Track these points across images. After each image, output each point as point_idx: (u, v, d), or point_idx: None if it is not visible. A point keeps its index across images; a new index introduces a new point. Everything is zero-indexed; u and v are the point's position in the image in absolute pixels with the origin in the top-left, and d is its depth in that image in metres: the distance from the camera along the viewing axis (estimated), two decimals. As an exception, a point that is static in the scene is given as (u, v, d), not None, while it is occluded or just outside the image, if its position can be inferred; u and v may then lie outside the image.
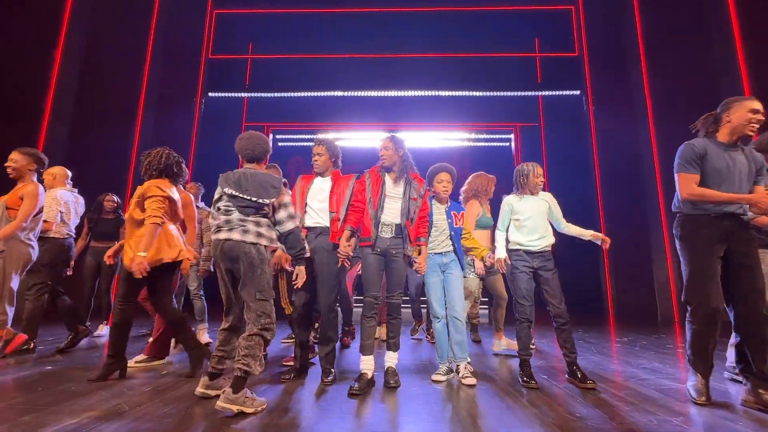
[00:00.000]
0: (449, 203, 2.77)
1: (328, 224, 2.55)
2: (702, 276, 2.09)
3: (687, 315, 2.18)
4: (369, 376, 2.33)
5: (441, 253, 2.67)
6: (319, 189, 2.62)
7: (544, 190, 2.81)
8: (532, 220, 2.64)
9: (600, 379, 2.61)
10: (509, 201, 2.74)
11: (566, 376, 2.53)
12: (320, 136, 2.49)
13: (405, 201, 2.52)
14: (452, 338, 2.56)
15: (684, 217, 2.23)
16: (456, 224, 2.71)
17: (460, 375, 2.49)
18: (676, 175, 2.21)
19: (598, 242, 2.62)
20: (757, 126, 2.16)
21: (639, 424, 1.79)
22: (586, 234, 2.66)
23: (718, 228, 2.12)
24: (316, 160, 2.64)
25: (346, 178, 2.67)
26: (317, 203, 2.58)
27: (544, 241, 2.63)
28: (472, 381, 2.42)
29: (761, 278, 2.07)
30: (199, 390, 2.07)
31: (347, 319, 3.92)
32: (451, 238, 2.67)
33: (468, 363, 2.54)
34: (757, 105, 2.16)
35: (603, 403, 2.10)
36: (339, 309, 4.34)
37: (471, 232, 2.90)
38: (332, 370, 2.49)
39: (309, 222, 2.57)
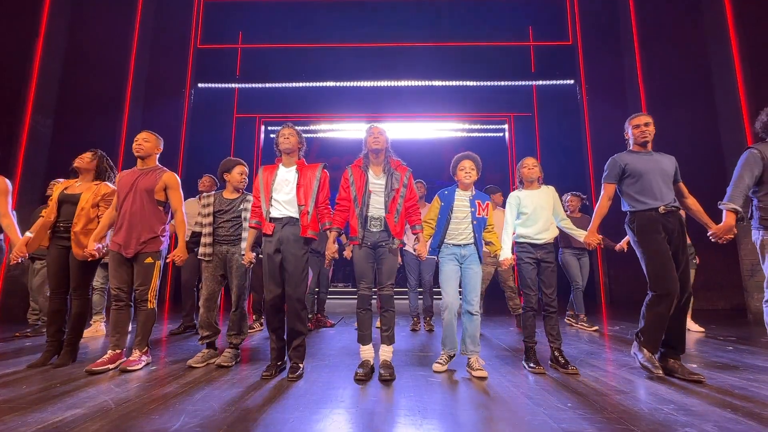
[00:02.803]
0: (473, 191, 2.71)
1: (294, 215, 2.50)
2: (663, 264, 2.38)
3: (648, 300, 2.43)
4: (371, 363, 2.46)
5: (460, 244, 2.59)
6: (284, 181, 2.56)
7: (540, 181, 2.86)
8: (535, 213, 2.70)
9: (591, 367, 2.62)
10: (515, 195, 2.80)
11: (549, 362, 2.60)
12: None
13: (387, 194, 2.54)
14: (466, 331, 2.52)
15: (636, 214, 2.54)
16: (479, 214, 2.64)
17: (473, 368, 2.45)
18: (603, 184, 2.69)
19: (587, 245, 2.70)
20: (647, 136, 2.57)
21: (630, 412, 1.79)
22: (580, 235, 2.72)
23: (665, 223, 2.45)
24: (287, 138, 2.59)
25: (312, 168, 2.62)
26: (283, 195, 2.53)
27: (548, 234, 2.69)
28: (484, 374, 2.40)
29: (689, 274, 2.46)
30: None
31: (321, 306, 4.49)
32: (472, 228, 2.60)
33: (478, 356, 2.53)
34: (640, 120, 2.61)
35: (594, 391, 2.10)
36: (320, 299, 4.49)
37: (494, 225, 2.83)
38: (300, 365, 2.44)
39: (275, 213, 2.52)
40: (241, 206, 2.86)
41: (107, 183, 2.93)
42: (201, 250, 2.80)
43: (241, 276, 2.78)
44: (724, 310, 6.07)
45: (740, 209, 2.33)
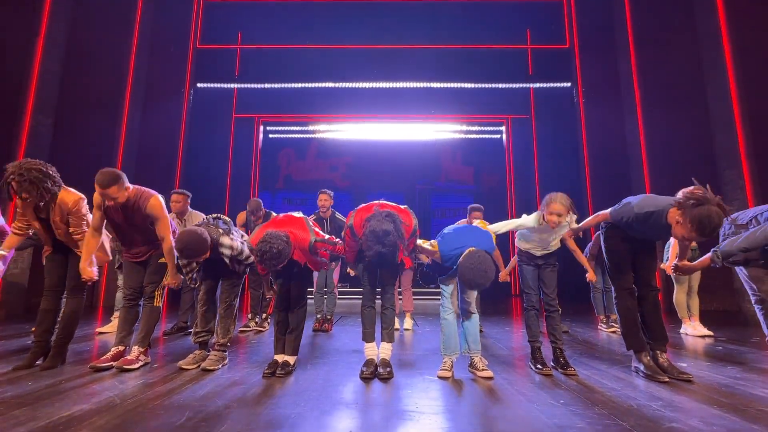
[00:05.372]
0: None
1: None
2: (620, 268, 2.61)
3: (614, 297, 2.62)
4: (375, 361, 2.47)
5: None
6: None
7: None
8: (541, 240, 2.68)
9: (584, 366, 2.69)
10: (526, 224, 2.65)
11: (551, 363, 2.61)
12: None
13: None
14: (467, 331, 2.52)
15: (610, 230, 2.66)
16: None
17: (478, 368, 2.43)
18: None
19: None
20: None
21: (620, 408, 1.85)
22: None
23: (632, 241, 2.58)
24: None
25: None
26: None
27: (549, 249, 2.72)
28: (490, 374, 2.37)
29: (654, 272, 2.66)
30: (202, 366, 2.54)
31: (331, 308, 4.38)
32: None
33: (481, 355, 2.51)
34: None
35: (587, 388, 2.17)
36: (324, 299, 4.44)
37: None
38: (291, 362, 2.51)
39: None
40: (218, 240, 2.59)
41: (55, 203, 2.52)
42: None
43: (237, 275, 2.76)
44: (717, 311, 6.16)
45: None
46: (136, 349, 2.58)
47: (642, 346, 2.47)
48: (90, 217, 2.64)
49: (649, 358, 2.44)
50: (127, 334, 2.67)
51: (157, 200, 2.58)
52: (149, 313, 2.66)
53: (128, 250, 2.72)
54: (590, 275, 3.90)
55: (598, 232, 4.34)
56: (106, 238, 2.80)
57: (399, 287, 4.50)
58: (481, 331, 4.13)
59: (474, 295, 2.60)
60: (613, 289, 2.65)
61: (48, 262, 2.69)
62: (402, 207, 2.55)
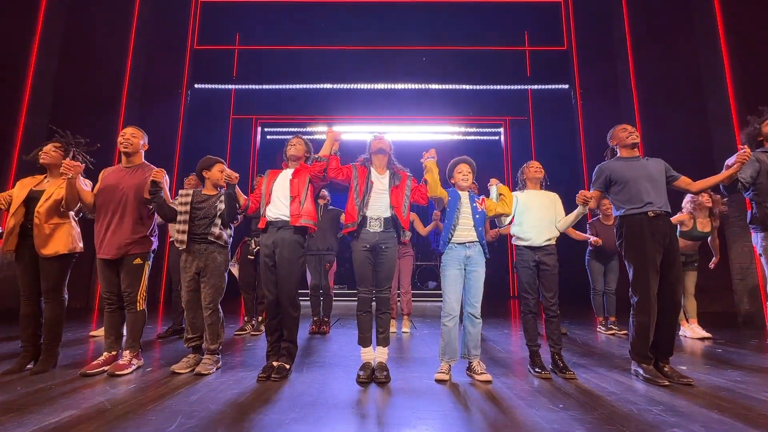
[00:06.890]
0: (470, 193, 2.68)
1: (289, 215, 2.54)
2: (646, 270, 2.42)
3: (632, 309, 2.49)
4: (372, 365, 2.46)
5: (465, 244, 2.51)
6: (284, 179, 2.65)
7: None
8: (530, 210, 2.73)
9: (583, 369, 2.66)
10: (514, 194, 2.84)
11: (549, 366, 2.59)
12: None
13: (390, 192, 2.60)
14: (469, 335, 2.48)
15: (624, 219, 2.57)
16: (479, 209, 2.60)
17: (476, 372, 2.41)
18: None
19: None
20: (635, 136, 2.67)
21: (621, 413, 1.82)
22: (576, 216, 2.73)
23: (655, 227, 2.46)
24: (294, 145, 2.76)
25: (308, 167, 2.71)
26: (281, 192, 2.61)
27: (544, 234, 2.68)
28: (488, 377, 2.37)
29: (681, 274, 2.52)
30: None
31: (327, 311, 4.30)
32: (474, 223, 2.54)
33: (480, 359, 2.49)
34: (626, 125, 2.75)
35: (586, 393, 2.14)
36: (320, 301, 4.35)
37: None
38: (287, 366, 2.46)
39: (270, 215, 2.58)
40: (218, 203, 2.70)
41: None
42: (176, 236, 2.62)
43: (219, 276, 2.66)
44: (715, 313, 6.16)
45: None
46: (127, 353, 2.53)
47: (647, 359, 2.43)
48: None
49: (647, 365, 2.41)
50: (115, 339, 2.60)
51: (163, 171, 2.65)
52: (134, 319, 2.56)
53: (100, 241, 2.54)
54: (595, 239, 4.26)
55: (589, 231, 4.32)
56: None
57: (397, 289, 4.47)
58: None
59: (480, 298, 2.52)
60: (634, 299, 2.45)
61: (23, 269, 2.56)
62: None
